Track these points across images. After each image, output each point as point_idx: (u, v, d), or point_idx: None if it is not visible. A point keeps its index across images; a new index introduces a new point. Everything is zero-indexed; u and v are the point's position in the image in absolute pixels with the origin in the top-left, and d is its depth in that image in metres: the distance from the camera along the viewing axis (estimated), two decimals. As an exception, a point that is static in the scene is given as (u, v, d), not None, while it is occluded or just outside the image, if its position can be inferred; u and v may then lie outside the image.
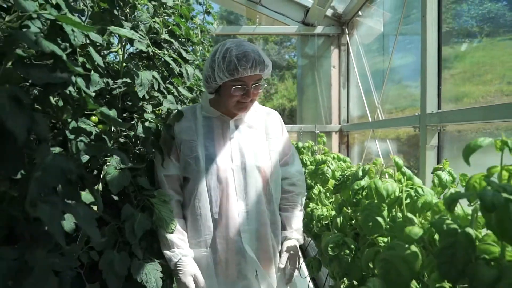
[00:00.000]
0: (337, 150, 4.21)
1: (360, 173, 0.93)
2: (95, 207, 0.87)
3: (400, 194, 0.80)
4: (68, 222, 0.77)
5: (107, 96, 1.02)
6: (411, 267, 0.60)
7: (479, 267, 0.54)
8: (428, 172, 2.11)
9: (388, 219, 0.84)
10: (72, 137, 0.70)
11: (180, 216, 1.26)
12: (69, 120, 0.71)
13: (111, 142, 1.05)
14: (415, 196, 0.80)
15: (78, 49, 0.75)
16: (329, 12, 3.95)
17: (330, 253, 0.95)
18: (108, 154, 0.97)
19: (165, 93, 1.23)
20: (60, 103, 0.69)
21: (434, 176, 0.97)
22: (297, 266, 1.31)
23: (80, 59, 0.77)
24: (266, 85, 1.31)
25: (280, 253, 1.32)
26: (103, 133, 1.03)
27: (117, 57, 1.25)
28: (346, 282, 0.95)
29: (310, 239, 1.65)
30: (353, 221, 1.11)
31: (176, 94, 1.38)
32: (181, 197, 1.28)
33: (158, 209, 1.02)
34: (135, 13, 1.02)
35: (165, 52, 1.18)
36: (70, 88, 0.67)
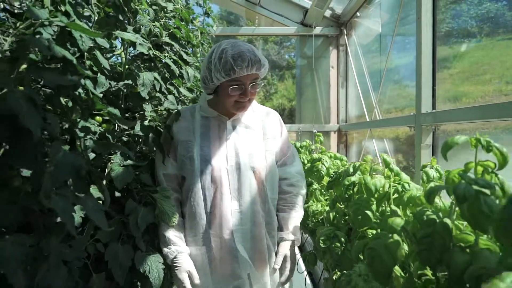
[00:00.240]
0: (336, 150, 4.26)
1: (351, 170, 0.98)
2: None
3: (388, 189, 0.86)
4: (76, 216, 0.82)
5: (111, 97, 1.07)
6: (393, 254, 0.65)
7: (454, 253, 0.59)
8: (423, 170, 2.15)
9: (378, 213, 0.89)
10: (81, 135, 0.75)
11: (178, 213, 1.27)
12: (78, 119, 0.76)
13: (114, 140, 1.10)
14: (402, 191, 0.85)
15: (85, 53, 0.80)
16: (327, 13, 4.00)
17: (322, 245, 1.01)
18: (112, 152, 1.02)
19: (166, 93, 1.28)
20: (70, 104, 0.74)
21: (422, 173, 1.02)
22: (292, 268, 1.30)
23: (87, 62, 0.82)
24: (263, 84, 1.33)
25: (276, 254, 1.32)
26: (107, 132, 1.08)
27: (119, 59, 1.31)
28: (338, 273, 1.00)
29: (307, 235, 1.70)
30: (346, 217, 1.17)
31: (176, 94, 1.43)
32: (180, 195, 1.30)
33: (160, 204, 1.07)
34: (137, 18, 1.07)
35: (166, 54, 1.23)
36: (79, 89, 0.72)
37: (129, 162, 1.04)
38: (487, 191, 0.54)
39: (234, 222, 1.24)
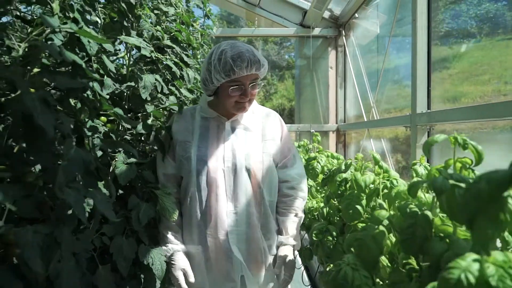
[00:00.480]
0: (335, 149, 4.32)
1: (343, 167, 1.04)
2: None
3: (377, 185, 0.91)
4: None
5: (115, 98, 1.12)
6: (379, 244, 0.70)
7: (434, 242, 0.64)
8: (418, 169, 2.20)
9: (368, 208, 0.94)
10: (89, 134, 0.81)
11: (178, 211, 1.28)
12: (86, 119, 0.82)
13: (118, 139, 1.16)
14: (390, 187, 0.90)
15: (92, 57, 0.85)
16: (326, 14, 4.05)
17: (314, 239, 1.06)
18: (116, 151, 1.08)
19: (168, 93, 1.33)
20: (78, 105, 0.80)
21: (412, 170, 1.08)
22: (292, 273, 1.28)
23: (94, 65, 0.87)
24: (263, 84, 1.33)
25: (275, 258, 1.31)
26: (111, 132, 1.14)
27: (121, 60, 1.36)
28: (331, 265, 1.05)
29: (304, 231, 1.75)
30: (340, 213, 1.22)
31: (178, 95, 1.48)
32: (178, 194, 1.32)
33: (161, 200, 1.12)
34: (140, 22, 1.13)
35: (168, 57, 1.29)
36: (87, 91, 0.77)
37: (132, 160, 1.10)
38: (462, 185, 0.59)
39: (229, 224, 1.24)
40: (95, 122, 1.02)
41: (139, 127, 1.18)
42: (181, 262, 1.24)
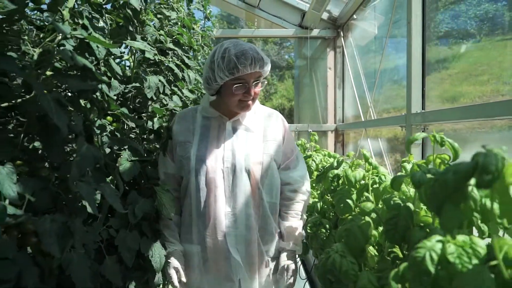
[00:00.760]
0: (333, 149, 4.38)
1: (335, 164, 1.10)
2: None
3: (367, 180, 0.97)
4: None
5: (120, 99, 1.19)
6: (364, 233, 0.77)
7: (414, 231, 0.70)
8: (412, 168, 2.25)
9: (359, 203, 1.00)
10: (98, 132, 0.87)
11: (176, 212, 1.30)
12: (95, 119, 0.88)
13: (123, 137, 1.22)
14: (379, 182, 0.96)
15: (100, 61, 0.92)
16: (324, 15, 4.11)
17: (309, 231, 1.12)
18: (122, 148, 1.14)
19: (170, 94, 1.39)
20: (88, 105, 0.86)
21: (401, 167, 1.14)
22: (294, 278, 1.28)
23: (102, 68, 0.93)
24: (266, 82, 1.31)
25: (277, 263, 1.31)
26: (116, 130, 1.20)
27: (125, 62, 1.42)
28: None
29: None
30: (334, 208, 1.28)
31: (180, 95, 1.54)
32: (179, 194, 1.32)
33: (160, 196, 1.17)
34: (144, 27, 1.19)
35: (170, 59, 1.35)
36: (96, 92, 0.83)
37: (136, 157, 1.16)
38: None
39: (228, 225, 1.23)
40: (102, 121, 1.08)
41: (151, 123, 1.24)
42: (175, 262, 1.25)
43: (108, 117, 1.17)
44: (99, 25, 0.98)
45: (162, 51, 1.40)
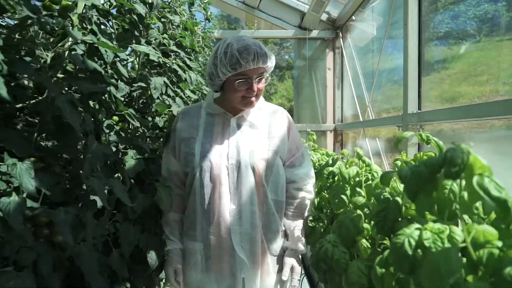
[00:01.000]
0: (332, 148, 4.43)
1: (330, 162, 1.15)
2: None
3: (360, 177, 1.02)
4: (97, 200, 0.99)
5: (126, 99, 1.24)
6: (356, 225, 0.82)
7: (401, 223, 0.76)
8: (409, 166, 2.30)
9: (352, 198, 1.06)
10: (107, 131, 0.93)
11: (177, 210, 1.31)
12: (103, 119, 0.93)
13: (129, 136, 1.27)
14: (372, 179, 1.02)
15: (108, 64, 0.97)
16: (324, 16, 4.16)
17: (309, 225, 1.18)
18: (127, 147, 1.20)
19: (174, 95, 1.45)
20: (96, 106, 0.92)
21: (394, 165, 1.19)
22: (299, 278, 1.28)
23: (109, 71, 0.99)
24: (270, 78, 1.29)
25: (281, 263, 1.29)
26: (122, 130, 1.26)
27: (129, 63, 1.48)
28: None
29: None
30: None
31: (182, 96, 1.60)
32: (182, 191, 1.31)
33: (159, 191, 1.21)
34: (149, 31, 1.24)
35: (173, 61, 1.40)
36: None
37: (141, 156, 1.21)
38: (423, 174, 0.70)
39: (232, 222, 1.21)
40: (109, 121, 1.14)
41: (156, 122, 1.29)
42: (174, 261, 1.26)
43: (114, 117, 1.23)
44: (106, 29, 1.03)
45: (164, 53, 1.46)
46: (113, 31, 1.05)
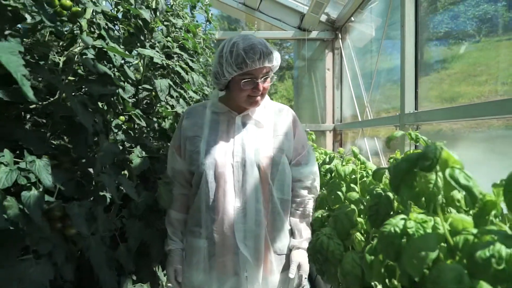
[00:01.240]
0: (331, 148, 4.48)
1: (327, 159, 1.20)
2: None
3: (355, 174, 1.08)
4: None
5: (132, 100, 1.30)
6: (350, 219, 0.87)
7: (392, 216, 0.81)
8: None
9: (348, 195, 1.11)
10: (116, 130, 0.98)
11: (181, 210, 1.32)
12: (112, 119, 0.99)
13: (135, 136, 1.33)
14: (366, 176, 1.07)
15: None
16: (323, 17, 4.21)
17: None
18: (133, 146, 1.25)
19: (178, 96, 1.50)
20: (105, 107, 0.97)
21: (389, 163, 1.24)
22: (305, 276, 1.26)
23: (117, 73, 1.04)
24: (275, 77, 1.27)
25: (287, 261, 1.28)
26: (128, 129, 1.31)
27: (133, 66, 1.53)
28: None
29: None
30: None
31: (185, 97, 1.65)
32: (187, 190, 1.32)
33: (159, 188, 1.25)
34: (153, 35, 1.30)
35: (176, 63, 1.46)
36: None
37: (146, 154, 1.27)
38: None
39: (237, 220, 1.20)
40: (116, 121, 1.19)
41: (167, 124, 1.34)
42: (174, 260, 1.28)
43: (121, 117, 1.28)
44: (113, 34, 1.09)
45: (168, 55, 1.51)
46: (119, 35, 1.10)
